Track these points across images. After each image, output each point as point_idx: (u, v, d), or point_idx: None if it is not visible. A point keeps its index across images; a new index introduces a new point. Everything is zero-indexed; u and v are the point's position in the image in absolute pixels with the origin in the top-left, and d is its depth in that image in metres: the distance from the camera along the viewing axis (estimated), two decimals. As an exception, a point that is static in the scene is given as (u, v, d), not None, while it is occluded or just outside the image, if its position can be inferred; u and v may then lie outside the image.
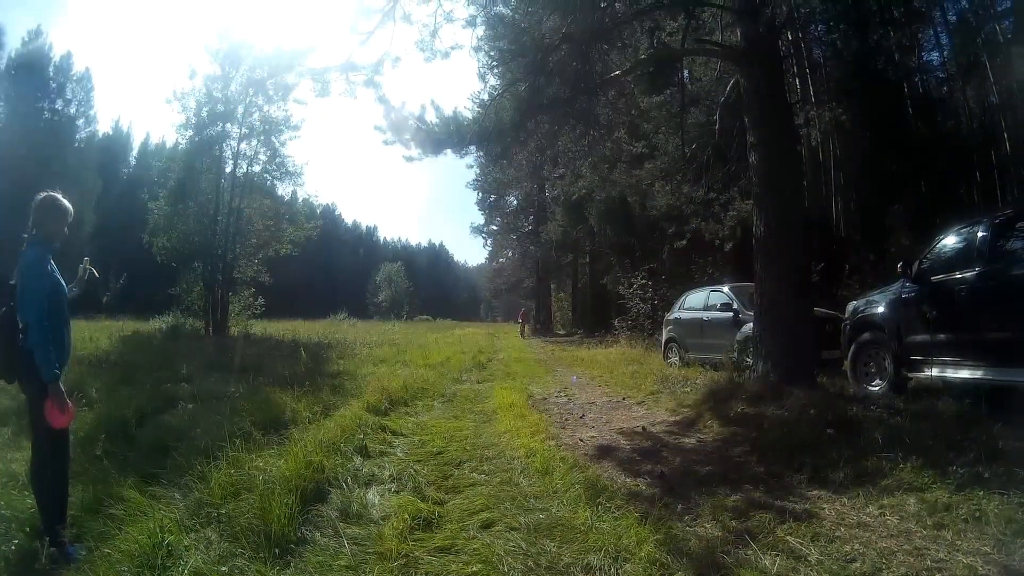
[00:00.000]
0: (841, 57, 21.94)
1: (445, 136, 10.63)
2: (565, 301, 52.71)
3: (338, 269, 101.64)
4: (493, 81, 13.11)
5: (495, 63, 10.84)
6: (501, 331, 48.10)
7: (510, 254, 53.06)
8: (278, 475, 4.80)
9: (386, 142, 11.17)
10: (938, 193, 19.28)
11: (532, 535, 4.18)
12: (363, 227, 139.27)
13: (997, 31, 19.40)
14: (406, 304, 74.74)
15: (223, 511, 4.33)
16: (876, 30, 20.91)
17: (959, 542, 3.94)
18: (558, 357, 21.18)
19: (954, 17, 21.67)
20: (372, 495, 4.95)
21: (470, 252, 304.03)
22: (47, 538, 3.72)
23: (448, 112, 11.07)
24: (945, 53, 22.13)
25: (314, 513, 4.50)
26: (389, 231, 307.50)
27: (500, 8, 10.72)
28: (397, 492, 5.09)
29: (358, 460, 5.95)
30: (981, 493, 4.53)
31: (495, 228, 52.31)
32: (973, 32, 20.13)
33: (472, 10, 11.10)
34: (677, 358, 15.13)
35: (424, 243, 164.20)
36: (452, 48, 11.09)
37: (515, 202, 46.65)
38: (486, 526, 4.40)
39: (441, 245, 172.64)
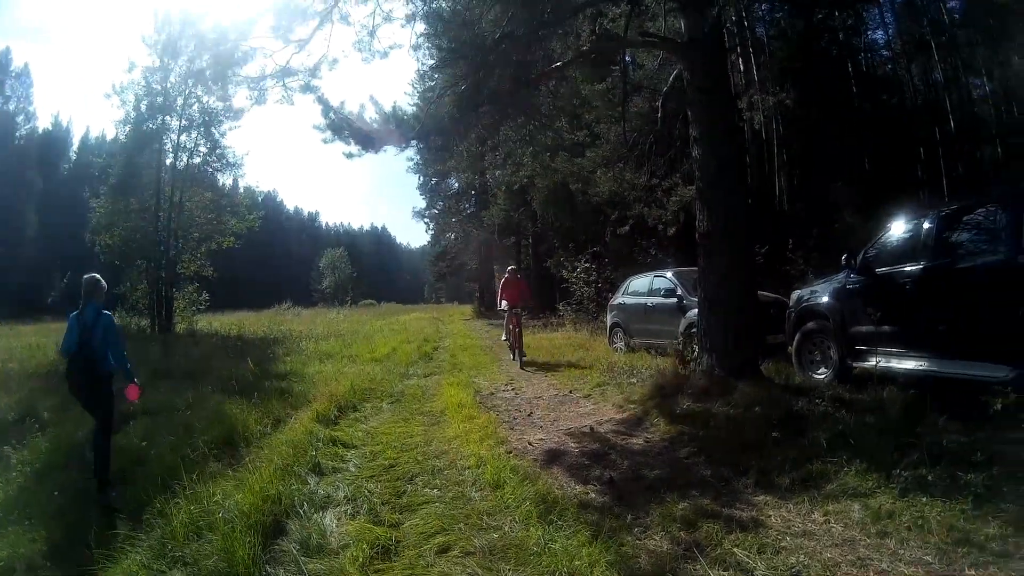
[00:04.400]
0: (786, 37, 22.04)
1: (385, 134, 10.55)
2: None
3: (281, 256, 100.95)
4: (433, 73, 13.01)
5: (437, 66, 10.65)
6: (445, 314, 48.07)
7: (452, 236, 52.71)
8: (237, 510, 4.79)
9: (325, 140, 11.09)
10: (881, 170, 19.51)
11: (487, 559, 4.24)
12: (305, 213, 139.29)
13: (942, 11, 19.65)
14: (350, 290, 74.27)
15: (187, 550, 4.36)
16: (821, 10, 21.06)
17: (902, 551, 4.06)
18: (504, 344, 21.17)
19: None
20: (329, 520, 4.95)
21: (413, 234, 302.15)
22: (98, 480, 5.89)
23: (388, 107, 11.06)
24: (890, 32, 22.28)
25: (276, 549, 4.51)
26: (332, 216, 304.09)
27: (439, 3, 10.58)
28: (353, 516, 5.10)
29: (312, 481, 5.94)
30: (924, 500, 4.65)
31: (436, 211, 51.97)
32: (919, 12, 20.27)
33: (410, 8, 11.00)
34: (623, 343, 15.25)
35: (367, 226, 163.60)
36: (391, 48, 11.17)
37: (456, 185, 46.29)
38: (443, 551, 4.43)
39: (384, 228, 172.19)
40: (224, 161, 26.79)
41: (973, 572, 3.75)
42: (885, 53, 22.63)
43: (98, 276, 6.57)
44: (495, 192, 35.51)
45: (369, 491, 5.68)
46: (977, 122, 18.83)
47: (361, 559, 4.21)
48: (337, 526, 4.85)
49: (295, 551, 4.42)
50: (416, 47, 11.19)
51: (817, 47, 21.00)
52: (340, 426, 8.44)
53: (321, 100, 10.86)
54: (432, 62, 10.76)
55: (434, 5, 10.42)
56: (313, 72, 11.04)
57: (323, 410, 8.78)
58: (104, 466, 6.00)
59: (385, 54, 10.88)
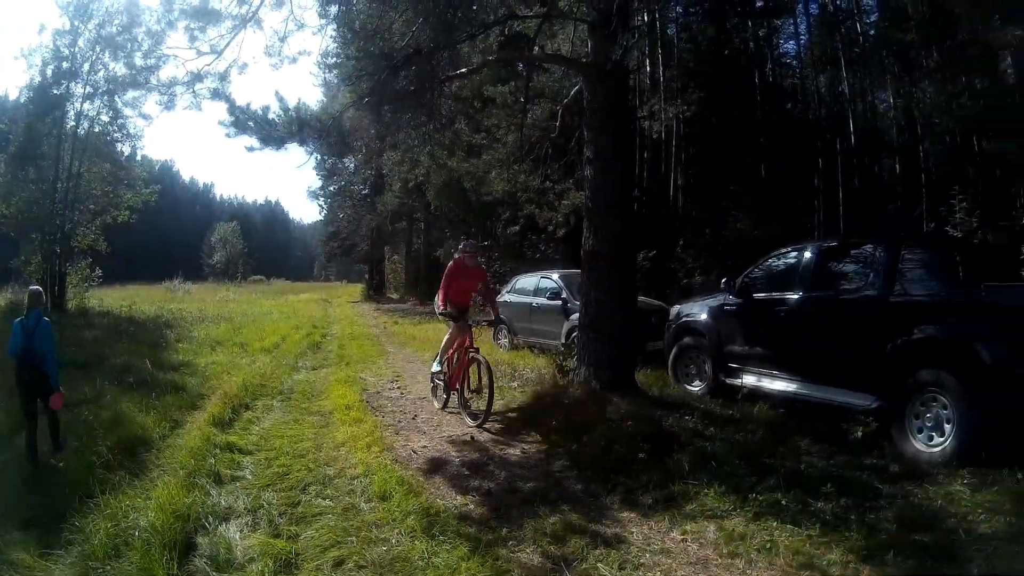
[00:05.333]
0: (696, 41, 22.47)
1: (288, 133, 10.63)
2: (400, 263, 52.69)
3: (174, 226, 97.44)
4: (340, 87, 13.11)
5: (345, 81, 10.64)
6: (334, 295, 48.34)
7: (342, 216, 52.26)
8: (151, 528, 4.97)
9: (229, 136, 11.16)
10: (779, 177, 20.10)
11: (378, 572, 4.59)
12: (200, 184, 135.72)
13: (857, 27, 20.31)
14: (240, 266, 72.76)
15: (108, 568, 4.57)
16: (733, 17, 21.42)
17: (750, 571, 4.40)
18: (391, 332, 21.38)
19: (815, 10, 22.30)
20: (233, 533, 5.18)
21: (307, 209, 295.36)
22: (55, 441, 7.24)
23: (292, 102, 11.12)
24: (802, 43, 22.88)
25: (190, 566, 4.72)
26: (226, 188, 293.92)
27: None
28: (254, 527, 5.36)
29: (214, 492, 6.10)
30: (775, 524, 4.98)
31: (332, 190, 51.61)
32: (833, 27, 20.74)
33: (321, 9, 11.00)
34: (507, 341, 15.59)
35: (261, 200, 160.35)
36: (300, 54, 11.48)
37: (352, 166, 45.77)
38: (338, 564, 4.70)
39: (277, 203, 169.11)
40: (125, 131, 26.39)
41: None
42: (794, 64, 23.28)
43: (40, 289, 8.15)
44: (390, 180, 35.33)
45: (267, 501, 5.91)
46: (879, 137, 19.67)
47: (267, 574, 4.49)
48: (241, 538, 5.08)
49: (207, 567, 4.67)
50: (325, 54, 11.27)
51: (726, 53, 21.32)
52: (235, 428, 8.61)
53: (228, 99, 10.93)
54: (340, 69, 10.78)
55: (344, 7, 10.35)
56: (223, 77, 11.24)
57: (218, 412, 8.89)
58: (56, 430, 7.31)
59: (294, 60, 11.36)
